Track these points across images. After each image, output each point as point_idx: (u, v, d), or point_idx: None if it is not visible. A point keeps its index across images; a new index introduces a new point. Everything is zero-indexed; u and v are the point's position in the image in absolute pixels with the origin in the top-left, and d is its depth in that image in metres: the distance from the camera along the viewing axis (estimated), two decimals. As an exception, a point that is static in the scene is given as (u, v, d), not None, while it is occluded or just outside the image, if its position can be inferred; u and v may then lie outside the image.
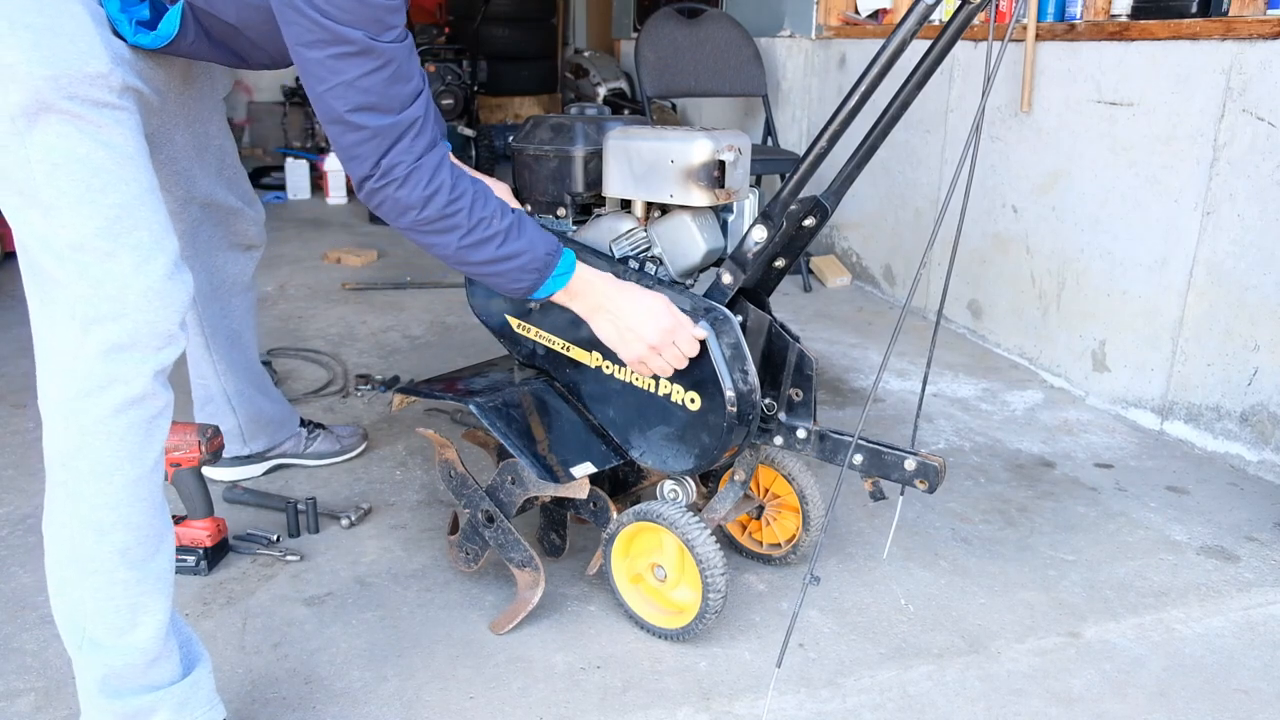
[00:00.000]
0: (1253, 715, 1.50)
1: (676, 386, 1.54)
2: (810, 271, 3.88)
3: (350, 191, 5.23)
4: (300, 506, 1.96)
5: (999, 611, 1.75)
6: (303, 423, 2.23)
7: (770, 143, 3.99)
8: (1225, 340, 2.33)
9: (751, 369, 1.52)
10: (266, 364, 2.76)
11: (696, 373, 1.52)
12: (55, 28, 1.11)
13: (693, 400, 1.53)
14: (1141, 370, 2.56)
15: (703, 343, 1.50)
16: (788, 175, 1.45)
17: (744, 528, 1.89)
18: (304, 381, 2.75)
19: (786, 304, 3.61)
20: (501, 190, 1.69)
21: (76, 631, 1.20)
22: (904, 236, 3.55)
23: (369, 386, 2.67)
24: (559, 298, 1.47)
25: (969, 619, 1.72)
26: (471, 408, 1.58)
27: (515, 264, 1.38)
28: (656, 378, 1.56)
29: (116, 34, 1.20)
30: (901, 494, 1.58)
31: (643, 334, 1.47)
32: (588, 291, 1.47)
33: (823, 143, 1.40)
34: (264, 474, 2.18)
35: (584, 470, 1.57)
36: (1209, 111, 2.31)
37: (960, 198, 1.46)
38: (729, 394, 1.50)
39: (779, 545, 1.85)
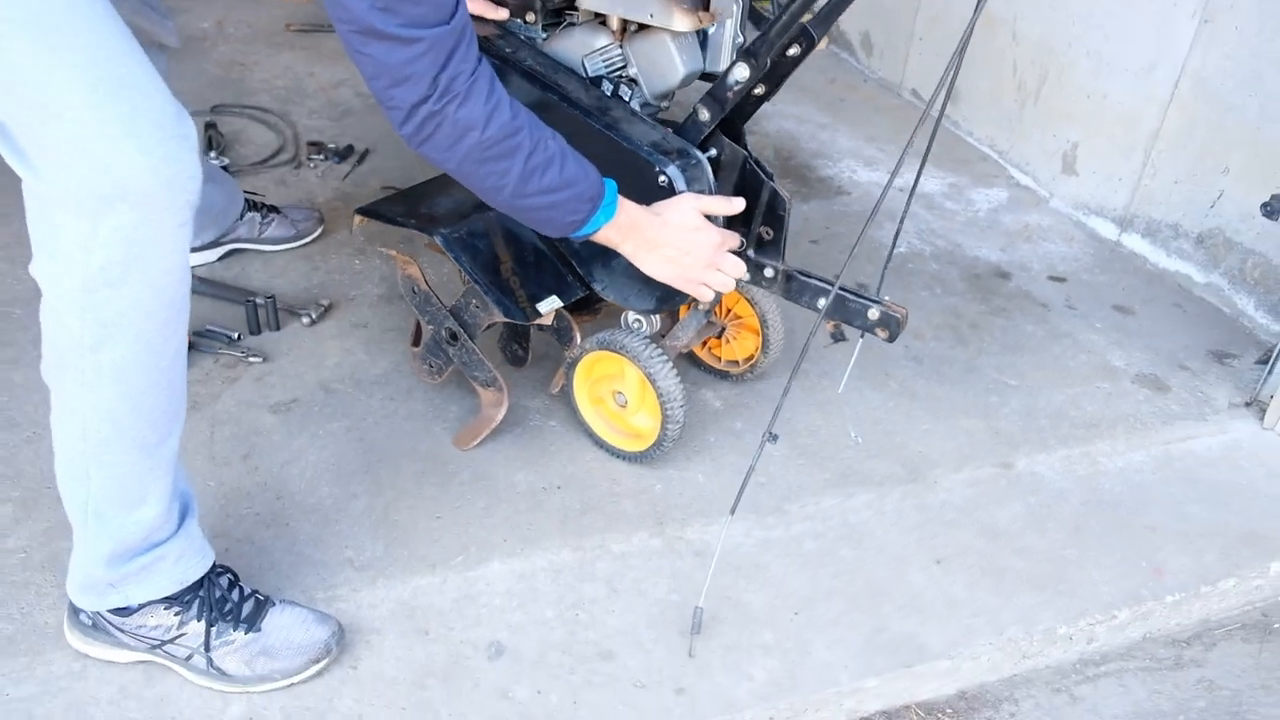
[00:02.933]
0: (1155, 551, 1.64)
1: (646, 228, 1.51)
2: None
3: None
4: (259, 302, 1.94)
5: (940, 439, 1.84)
6: (255, 206, 2.15)
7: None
8: (1198, 159, 2.31)
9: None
10: (211, 125, 2.63)
11: (667, 215, 1.48)
12: None
13: (661, 243, 1.50)
14: (1109, 179, 2.55)
15: (672, 187, 1.46)
16: (772, 20, 1.35)
17: (704, 343, 1.93)
18: (252, 147, 2.63)
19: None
20: None
21: (81, 507, 1.18)
22: (885, 2, 3.35)
23: (321, 157, 2.56)
24: (606, 234, 1.37)
25: (911, 446, 1.82)
26: (437, 239, 1.54)
27: (572, 192, 1.28)
28: None
29: None
30: (861, 338, 1.61)
31: (695, 260, 1.43)
32: (632, 227, 1.38)
33: (817, -13, 1.30)
34: (218, 260, 2.14)
35: (550, 305, 1.57)
36: (1228, -90, 2.15)
37: None
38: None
39: (737, 363, 1.89)
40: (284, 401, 1.79)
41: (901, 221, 1.63)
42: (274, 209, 2.19)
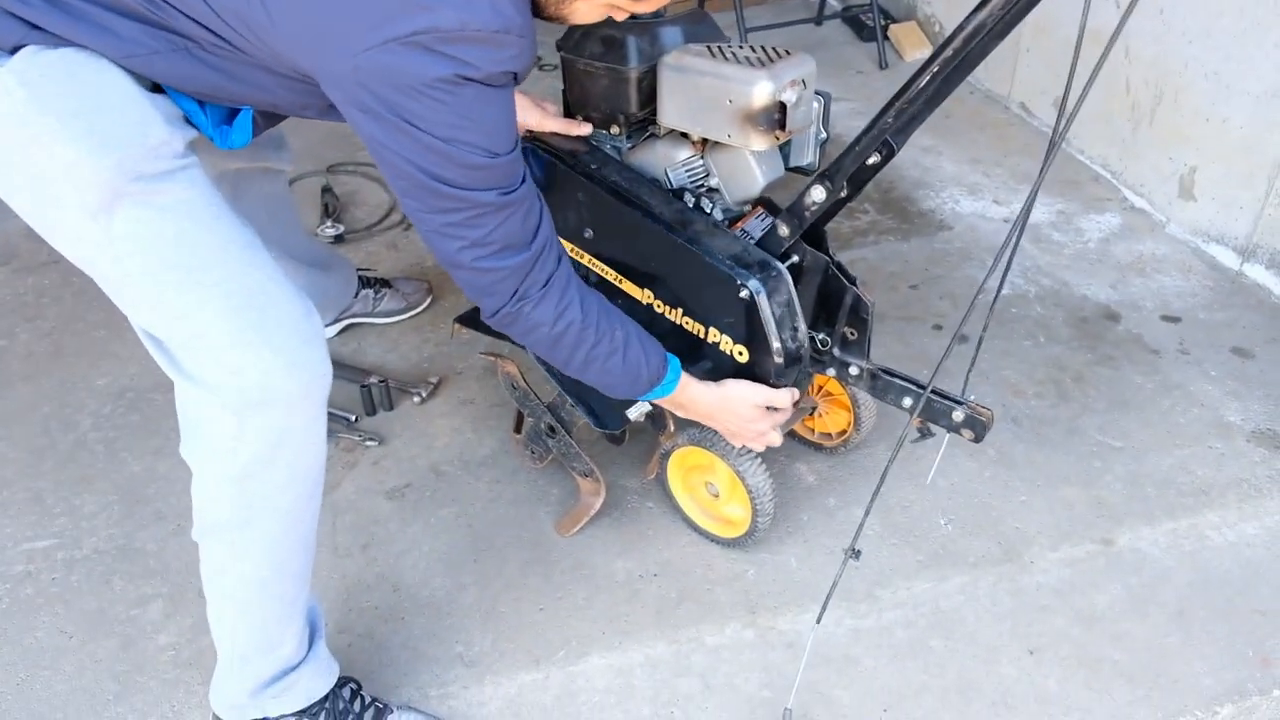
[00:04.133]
0: (1264, 640, 1.60)
1: (726, 337, 1.55)
2: (887, 39, 3.61)
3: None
4: (374, 384, 2.06)
5: (1038, 512, 1.83)
6: (368, 282, 2.28)
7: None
8: (1324, 191, 2.19)
9: (802, 326, 1.52)
10: (327, 189, 2.78)
11: (747, 328, 1.52)
12: (103, 106, 1.06)
13: (741, 353, 1.54)
14: (1230, 206, 2.43)
15: (754, 300, 1.49)
16: (851, 144, 1.36)
17: (797, 416, 1.95)
18: (365, 209, 2.76)
19: (858, 85, 3.41)
20: (524, 104, 1.61)
21: (228, 648, 1.32)
22: (993, 8, 3.24)
23: (430, 216, 2.67)
24: (663, 405, 1.51)
25: (1007, 521, 1.81)
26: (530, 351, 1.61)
27: (633, 375, 1.40)
28: (705, 324, 1.56)
29: (157, 87, 1.14)
30: (948, 435, 1.61)
31: (748, 436, 1.56)
32: (690, 404, 1.51)
33: (888, 118, 1.30)
34: (337, 335, 2.28)
35: (638, 411, 1.63)
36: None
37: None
38: (777, 355, 1.50)
39: (830, 436, 1.92)
40: (399, 487, 1.91)
41: (1004, 273, 1.54)
42: (386, 283, 2.31)
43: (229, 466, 1.17)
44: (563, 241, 1.71)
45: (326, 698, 1.40)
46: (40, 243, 1.19)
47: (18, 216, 1.16)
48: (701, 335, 1.58)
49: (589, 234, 1.65)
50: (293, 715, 1.39)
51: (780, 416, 1.56)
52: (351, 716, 1.41)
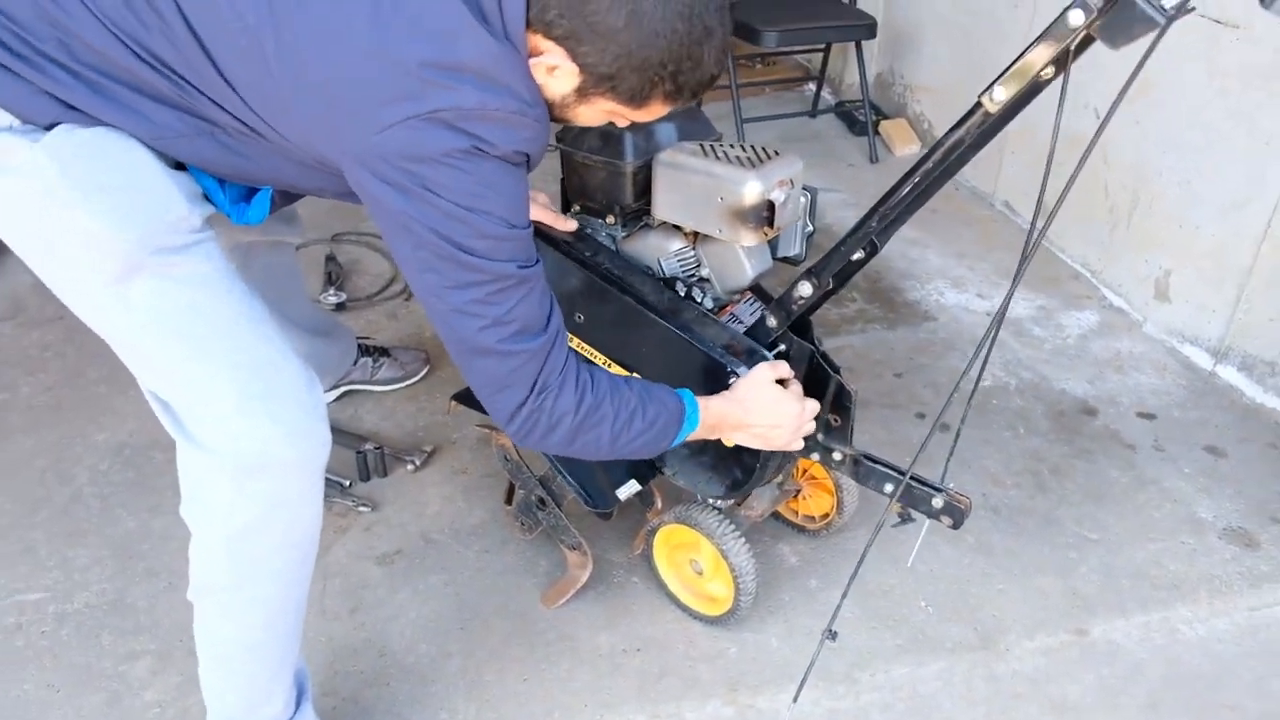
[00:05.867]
0: (1233, 735, 1.64)
1: (716, 421, 1.61)
2: (878, 134, 3.75)
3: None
4: (369, 450, 2.10)
5: (1014, 600, 1.87)
6: (368, 350, 2.34)
7: (848, -9, 3.74)
8: (1292, 299, 2.28)
9: None
10: (331, 258, 2.85)
11: (734, 415, 1.57)
12: (129, 183, 1.12)
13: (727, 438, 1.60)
14: (1203, 309, 2.53)
15: None
16: (837, 244, 1.44)
17: (781, 497, 2.00)
18: (367, 278, 2.84)
19: (849, 177, 3.53)
20: (541, 202, 1.69)
21: (217, 705, 1.36)
22: (980, 110, 3.38)
23: (430, 288, 2.74)
24: (697, 435, 1.46)
25: (985, 608, 1.85)
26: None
27: (658, 427, 1.36)
28: None
29: (179, 165, 1.21)
30: (928, 521, 1.66)
31: (783, 433, 1.51)
32: (718, 422, 1.47)
33: (872, 221, 1.39)
34: (334, 400, 2.32)
35: (628, 491, 1.68)
36: (1318, 57, 2.14)
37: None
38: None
39: (813, 519, 1.97)
40: (389, 553, 1.94)
41: (982, 368, 1.58)
42: (385, 352, 2.37)
43: (225, 528, 1.21)
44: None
45: (310, 760, 1.42)
46: (47, 297, 1.24)
47: (25, 271, 1.21)
48: None
49: (580, 318, 1.71)
50: (278, 775, 1.41)
51: (813, 407, 1.53)
52: (334, 780, 1.43)
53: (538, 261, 1.21)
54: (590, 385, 1.29)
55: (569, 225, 1.68)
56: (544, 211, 1.68)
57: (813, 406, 1.56)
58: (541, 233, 1.69)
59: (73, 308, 1.20)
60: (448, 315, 1.18)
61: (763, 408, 1.49)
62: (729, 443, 1.56)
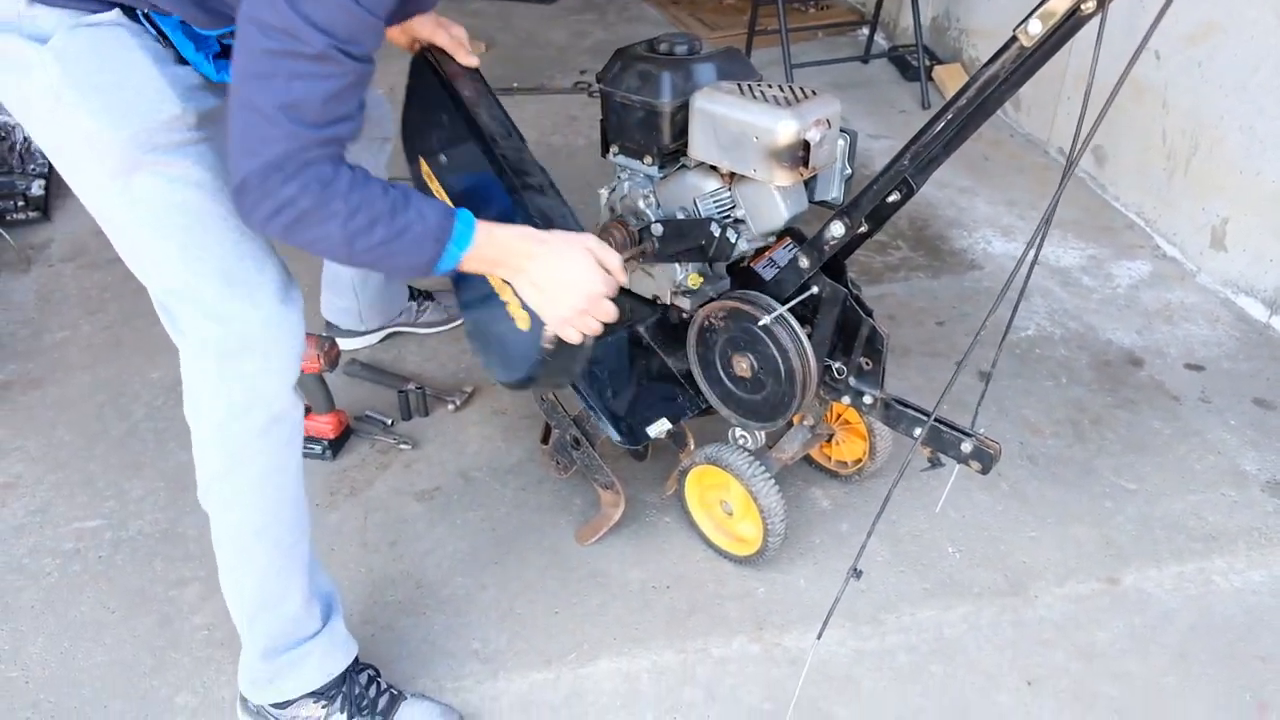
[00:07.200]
0: (1264, 685, 1.63)
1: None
2: (931, 79, 3.67)
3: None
4: (411, 390, 2.15)
5: (1046, 548, 1.86)
6: (414, 294, 2.39)
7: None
8: (1353, 248, 2.21)
9: (813, 362, 1.58)
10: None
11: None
12: (121, 82, 1.18)
13: (760, 377, 1.61)
14: (1260, 258, 2.45)
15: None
16: (869, 183, 1.43)
17: (815, 441, 2.01)
18: (414, 223, 2.87)
19: (900, 124, 3.47)
20: (426, 20, 1.64)
21: (240, 613, 1.43)
22: (1037, 54, 3.29)
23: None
24: (472, 266, 1.29)
25: (1015, 554, 1.85)
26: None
27: (408, 238, 1.21)
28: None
29: (180, 59, 1.25)
30: (958, 466, 1.65)
31: (570, 299, 1.33)
32: (503, 255, 1.31)
33: (904, 160, 1.37)
34: (379, 342, 2.38)
35: (659, 429, 1.70)
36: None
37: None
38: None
39: (845, 464, 1.97)
40: (428, 489, 1.99)
41: (1014, 311, 1.54)
42: (429, 296, 2.41)
43: (213, 415, 1.31)
44: (420, 159, 1.71)
45: (343, 679, 1.48)
46: (107, 242, 1.31)
47: (86, 215, 1.29)
48: None
49: (443, 160, 1.63)
50: (310, 696, 1.47)
51: (611, 287, 1.35)
52: (366, 701, 1.49)
53: (363, 61, 1.11)
54: (331, 181, 1.14)
55: (471, 61, 1.67)
56: (447, 38, 1.65)
57: (611, 285, 1.35)
58: (435, 62, 1.64)
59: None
60: (243, 52, 1.09)
61: (560, 259, 1.33)
62: (504, 291, 1.40)
